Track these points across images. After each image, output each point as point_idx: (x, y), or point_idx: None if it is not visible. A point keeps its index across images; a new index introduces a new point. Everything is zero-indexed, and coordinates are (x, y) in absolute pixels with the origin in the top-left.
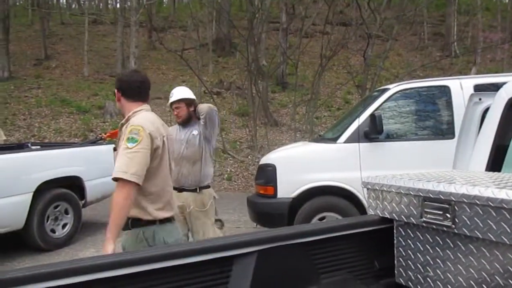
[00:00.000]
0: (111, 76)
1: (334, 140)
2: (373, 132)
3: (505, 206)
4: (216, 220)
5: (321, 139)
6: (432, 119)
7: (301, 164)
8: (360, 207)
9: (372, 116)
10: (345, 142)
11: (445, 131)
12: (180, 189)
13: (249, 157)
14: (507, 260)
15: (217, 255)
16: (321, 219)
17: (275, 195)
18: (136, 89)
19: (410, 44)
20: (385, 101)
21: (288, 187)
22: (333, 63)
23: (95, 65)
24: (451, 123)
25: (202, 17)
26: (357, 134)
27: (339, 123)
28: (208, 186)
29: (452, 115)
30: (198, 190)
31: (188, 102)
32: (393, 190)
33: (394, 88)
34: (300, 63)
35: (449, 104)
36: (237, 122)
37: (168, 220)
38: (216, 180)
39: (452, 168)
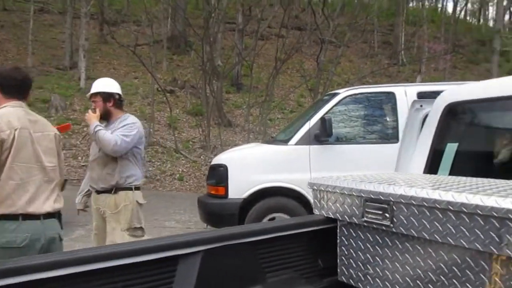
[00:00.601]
0: (57, 69)
1: (285, 142)
2: (323, 135)
3: (437, 206)
4: (137, 228)
5: (273, 140)
6: (379, 123)
7: (253, 165)
8: (308, 207)
9: (322, 119)
10: (296, 144)
11: (390, 135)
12: (97, 191)
13: (201, 157)
14: (439, 257)
15: (162, 255)
16: (272, 219)
17: (226, 195)
18: (15, 87)
19: (360, 51)
20: (335, 105)
21: (239, 187)
22: (287, 66)
23: (40, 56)
24: (395, 128)
25: (157, 13)
26: (307, 137)
27: (291, 126)
28: (129, 188)
29: (397, 120)
30: (113, 191)
31: (105, 96)
32: (337, 191)
33: (343, 93)
34: (255, 65)
35: (394, 110)
36: (191, 121)
37: (6, 217)
38: (167, 180)
39: (395, 170)
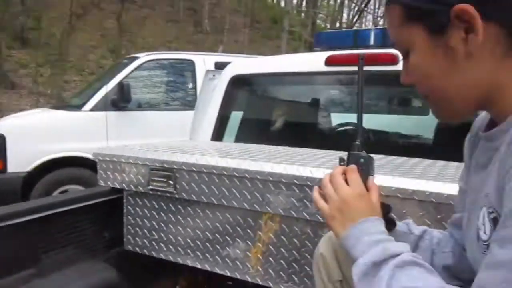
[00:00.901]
0: None
1: (79, 107)
2: (121, 100)
3: (214, 171)
4: None
5: (64, 106)
6: (179, 90)
7: (38, 134)
8: None
9: (121, 84)
10: (91, 110)
11: (190, 102)
12: None
13: None
14: (215, 217)
15: None
16: (64, 192)
17: (4, 170)
18: None
19: (166, 15)
20: (134, 70)
21: (21, 160)
22: (85, 23)
23: None
24: (194, 96)
25: None
26: (104, 102)
27: (85, 90)
28: None
29: (196, 88)
30: None
31: None
32: (123, 160)
33: (143, 57)
34: (46, 17)
35: (193, 78)
36: None
37: None
38: None
39: (189, 137)
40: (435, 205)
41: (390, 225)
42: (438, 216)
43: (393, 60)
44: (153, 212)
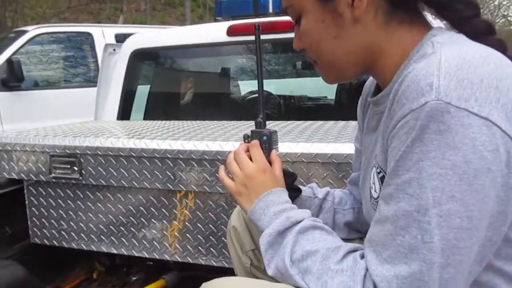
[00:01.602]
0: None
1: None
2: (12, 79)
3: (121, 154)
4: None
5: None
6: (80, 66)
7: None
8: None
9: (10, 61)
10: None
11: (92, 79)
12: None
13: None
14: (127, 201)
15: None
16: None
17: None
18: None
19: None
20: (24, 45)
21: None
22: None
23: None
24: (97, 71)
25: None
26: None
27: None
28: None
29: (97, 63)
30: None
31: None
32: (19, 149)
33: (33, 31)
34: None
35: (93, 52)
36: None
37: None
38: None
39: (94, 118)
40: (336, 165)
41: (295, 192)
42: (340, 175)
43: (292, 27)
44: (59, 201)
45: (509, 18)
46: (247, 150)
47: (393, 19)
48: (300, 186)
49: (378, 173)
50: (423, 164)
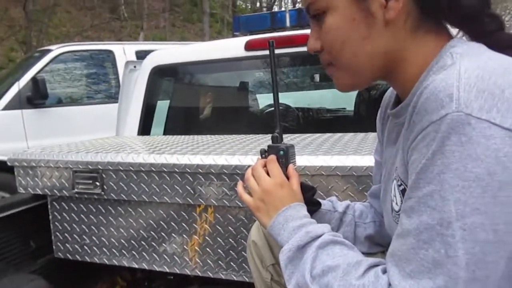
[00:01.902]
0: None
1: None
2: (37, 97)
3: (142, 169)
4: None
5: None
6: (101, 83)
7: None
8: None
9: (34, 79)
10: (4, 109)
11: (113, 95)
12: None
13: None
14: (148, 215)
15: None
16: None
17: None
18: None
19: (79, 2)
20: (48, 63)
21: None
22: None
23: None
24: (118, 87)
25: None
26: (18, 100)
27: None
28: None
29: (118, 80)
30: None
31: None
32: (43, 165)
33: (57, 49)
34: None
35: (114, 69)
36: None
37: None
38: None
39: (116, 134)
40: (356, 178)
41: (315, 206)
42: (360, 188)
43: None
44: (81, 216)
45: None
46: (265, 165)
47: (422, 27)
48: (320, 200)
49: (399, 185)
50: (444, 176)
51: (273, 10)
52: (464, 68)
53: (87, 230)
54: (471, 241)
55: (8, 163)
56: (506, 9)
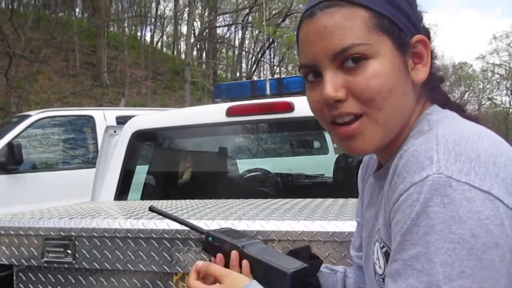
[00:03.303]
0: None
1: None
2: (11, 162)
3: (118, 235)
4: None
5: None
6: (78, 148)
7: None
8: None
9: (10, 145)
10: None
11: (91, 160)
12: None
13: None
14: (121, 285)
15: None
16: None
17: None
18: None
19: (61, 70)
20: (26, 128)
21: None
22: None
23: None
24: (96, 153)
25: None
26: None
27: None
28: None
29: (97, 145)
30: None
31: None
32: (12, 232)
33: (36, 115)
34: None
35: (94, 134)
36: None
37: None
38: None
39: (91, 199)
40: (338, 244)
41: (318, 264)
42: (343, 254)
43: (289, 107)
44: (49, 287)
45: (493, 101)
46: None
47: (423, 96)
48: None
49: (382, 247)
50: (430, 238)
51: (252, 79)
52: (441, 133)
53: None
54: None
55: None
56: (469, 85)
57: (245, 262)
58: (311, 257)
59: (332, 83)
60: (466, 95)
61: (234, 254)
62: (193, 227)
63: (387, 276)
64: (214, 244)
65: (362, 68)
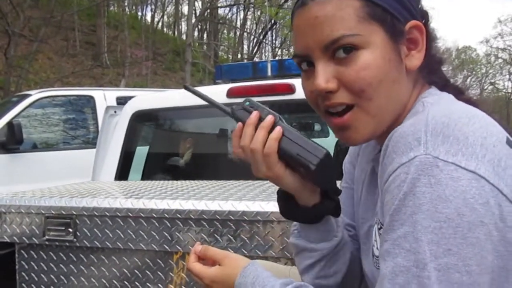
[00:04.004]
0: None
1: None
2: (12, 142)
3: (118, 214)
4: None
5: None
6: (79, 128)
7: None
8: None
9: (10, 124)
10: None
11: (91, 140)
12: None
13: None
14: (122, 263)
15: None
16: None
17: None
18: None
19: (61, 49)
20: (26, 108)
21: None
22: None
23: None
24: (96, 133)
25: None
26: None
27: None
28: None
29: (97, 125)
30: None
31: None
32: (13, 210)
33: (36, 94)
34: None
35: (94, 114)
36: None
37: None
38: None
39: (91, 179)
40: None
41: (335, 196)
42: None
43: (290, 89)
44: (51, 265)
45: (496, 85)
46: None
47: (420, 81)
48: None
49: (379, 229)
50: (416, 217)
51: (254, 61)
52: (432, 115)
53: (56, 280)
54: (446, 282)
55: None
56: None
57: (278, 128)
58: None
59: (323, 74)
60: (468, 80)
61: (270, 117)
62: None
63: (379, 256)
64: (251, 109)
65: (353, 58)
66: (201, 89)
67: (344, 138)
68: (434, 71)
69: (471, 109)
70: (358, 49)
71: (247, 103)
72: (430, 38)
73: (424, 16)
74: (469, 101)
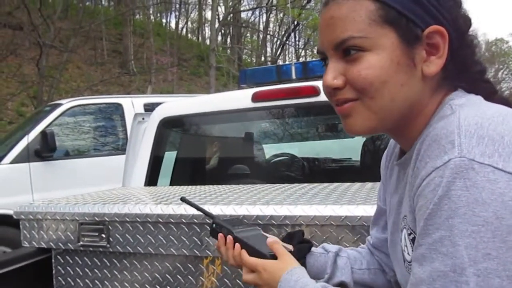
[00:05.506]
0: None
1: None
2: (45, 150)
3: (149, 220)
4: None
5: None
6: (108, 135)
7: None
8: None
9: (43, 133)
10: (12, 162)
11: (121, 147)
12: None
13: None
14: (154, 268)
15: None
16: None
17: None
18: None
19: (89, 58)
20: (58, 117)
21: None
22: (2, 70)
23: None
24: (125, 139)
25: None
26: (26, 153)
27: (5, 141)
28: None
29: (126, 132)
30: None
31: None
32: (49, 217)
33: (67, 103)
34: None
35: (123, 121)
36: None
37: None
38: None
39: (122, 185)
40: (366, 228)
41: (305, 249)
42: None
43: (315, 92)
44: (86, 269)
45: None
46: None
47: (445, 85)
48: (313, 248)
49: (409, 234)
50: (453, 221)
51: (277, 64)
52: (463, 116)
53: (91, 285)
54: None
55: (14, 216)
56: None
57: (237, 245)
58: (302, 242)
59: (332, 72)
60: (500, 73)
61: (229, 238)
62: (205, 213)
63: (413, 261)
64: (216, 230)
65: (359, 59)
66: (227, 94)
67: (345, 125)
68: (475, 81)
69: (503, 108)
70: (365, 51)
71: (214, 225)
72: (465, 45)
73: (466, 21)
74: (501, 100)
